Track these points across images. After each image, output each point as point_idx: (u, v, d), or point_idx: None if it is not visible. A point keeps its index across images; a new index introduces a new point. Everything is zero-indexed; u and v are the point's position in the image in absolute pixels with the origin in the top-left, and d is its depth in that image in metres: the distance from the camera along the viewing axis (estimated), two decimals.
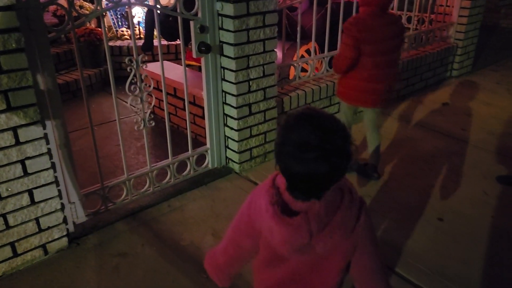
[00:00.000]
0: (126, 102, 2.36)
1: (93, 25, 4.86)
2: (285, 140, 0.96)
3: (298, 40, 3.21)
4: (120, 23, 5.27)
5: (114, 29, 5.24)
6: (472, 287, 1.97)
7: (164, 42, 4.83)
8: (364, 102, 2.63)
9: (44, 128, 2.03)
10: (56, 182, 2.11)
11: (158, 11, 2.39)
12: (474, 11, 4.45)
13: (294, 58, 3.37)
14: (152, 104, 2.44)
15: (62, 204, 2.19)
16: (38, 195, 2.04)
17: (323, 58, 3.44)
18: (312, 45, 3.34)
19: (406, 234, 2.31)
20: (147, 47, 4.17)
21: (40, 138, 1.97)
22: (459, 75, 4.69)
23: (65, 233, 2.21)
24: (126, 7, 2.32)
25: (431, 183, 2.78)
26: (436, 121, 3.64)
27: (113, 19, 5.25)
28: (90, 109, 2.30)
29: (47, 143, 2.04)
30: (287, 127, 0.97)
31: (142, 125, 2.44)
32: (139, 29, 5.14)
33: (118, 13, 5.21)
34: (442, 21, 4.50)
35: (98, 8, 2.14)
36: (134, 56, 2.30)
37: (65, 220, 2.21)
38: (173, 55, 4.87)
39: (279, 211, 1.00)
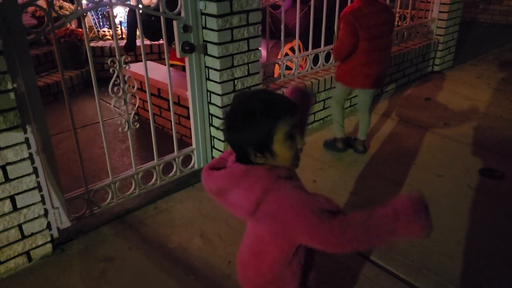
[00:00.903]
0: (110, 104, 2.32)
1: (73, 25, 4.78)
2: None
3: (282, 38, 3.21)
4: (101, 24, 5.20)
5: (96, 30, 5.16)
6: (456, 279, 2.00)
7: (147, 42, 4.78)
8: (360, 84, 2.90)
9: (25, 132, 1.98)
10: (38, 187, 2.07)
11: (140, 11, 2.36)
12: (454, 7, 4.52)
13: (279, 56, 3.37)
14: (136, 106, 2.41)
15: (46, 210, 2.14)
16: (20, 201, 2.00)
17: (307, 55, 3.45)
18: (296, 43, 3.35)
19: None
20: (130, 48, 4.11)
21: (21, 143, 1.93)
22: (440, 70, 4.76)
23: (49, 239, 2.16)
24: (107, 7, 2.28)
25: (415, 178, 2.81)
26: (419, 116, 3.69)
27: (94, 19, 5.16)
28: (72, 111, 2.26)
29: (28, 148, 2.00)
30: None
31: (126, 127, 2.41)
32: (121, 29, 5.08)
33: (99, 13, 5.13)
34: (423, 17, 4.55)
35: (79, 8, 2.09)
36: (117, 57, 2.26)
37: (49, 226, 2.17)
38: (156, 55, 4.82)
39: (209, 165, 1.20)
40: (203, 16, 2.52)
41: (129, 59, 2.31)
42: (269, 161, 1.11)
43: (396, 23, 4.26)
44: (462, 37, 5.73)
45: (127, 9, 4.62)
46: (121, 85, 2.30)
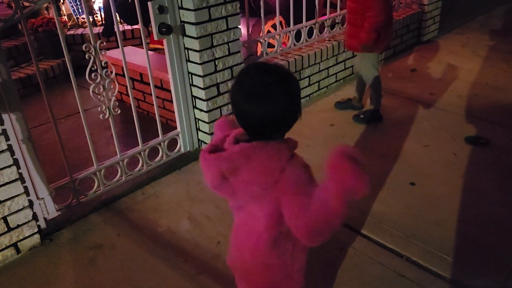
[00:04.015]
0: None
1: (52, 14, 4.67)
2: (236, 83, 1.09)
3: (262, 15, 3.16)
4: (80, 11, 5.08)
5: (75, 17, 5.05)
6: (445, 247, 2.02)
7: (128, 26, 4.70)
8: (386, 47, 3.01)
9: (2, 124, 1.95)
10: (21, 178, 2.05)
11: None
12: None
13: (261, 34, 3.31)
14: (116, 91, 2.37)
15: (30, 201, 2.13)
16: (2, 193, 1.98)
17: (290, 32, 3.40)
18: (277, 19, 3.29)
19: (380, 201, 2.34)
20: (108, 33, 4.04)
21: None
22: (426, 41, 4.73)
23: (36, 230, 2.15)
24: None
25: (402, 149, 2.82)
26: (405, 88, 3.68)
27: (72, 6, 5.05)
28: (56, 101, 2.22)
29: (7, 139, 1.97)
30: (238, 75, 1.11)
31: (108, 113, 2.38)
32: (101, 15, 4.97)
33: (78, 0, 5.02)
34: None
35: None
36: (92, 42, 2.21)
37: (35, 217, 2.15)
38: (138, 40, 4.74)
39: (207, 148, 1.10)
40: None
41: (104, 44, 2.26)
42: (279, 136, 1.12)
43: None
44: (447, 6, 5.67)
45: None
46: (98, 71, 2.26)
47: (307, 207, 1.03)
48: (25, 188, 2.09)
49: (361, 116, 3.16)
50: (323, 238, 1.05)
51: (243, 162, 1.06)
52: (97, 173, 2.43)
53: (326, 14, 3.77)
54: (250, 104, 1.06)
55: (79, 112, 2.31)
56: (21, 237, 2.10)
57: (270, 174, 1.06)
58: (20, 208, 2.06)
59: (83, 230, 2.26)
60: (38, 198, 2.18)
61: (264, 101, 1.04)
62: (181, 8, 2.49)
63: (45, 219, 2.24)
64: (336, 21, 3.73)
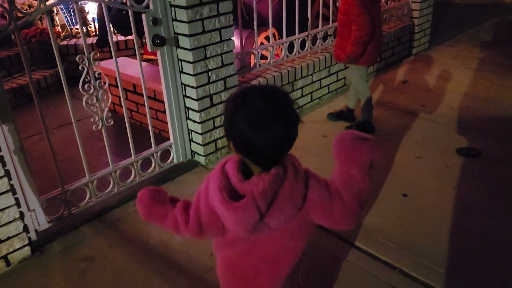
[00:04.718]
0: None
1: (45, 24, 4.67)
2: (238, 110, 1.01)
3: (255, 27, 3.18)
4: (74, 21, 5.09)
5: (68, 27, 5.06)
6: (437, 258, 2.03)
7: (122, 37, 4.71)
8: (374, 60, 3.07)
9: None
10: (12, 190, 2.03)
11: (109, 6, 2.31)
12: None
13: (254, 46, 3.34)
14: (109, 102, 2.37)
15: (21, 213, 2.11)
16: None
17: (283, 43, 3.43)
18: (270, 31, 3.32)
19: (373, 212, 2.35)
20: (102, 43, 4.04)
21: None
22: (417, 53, 4.79)
23: (27, 242, 2.13)
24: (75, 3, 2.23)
25: (394, 160, 2.83)
26: (397, 99, 3.71)
27: (66, 16, 5.06)
28: (48, 111, 2.21)
29: None
30: (237, 100, 1.03)
31: (100, 124, 2.37)
32: (94, 26, 4.98)
33: (72, 10, 5.02)
34: (397, 0, 4.56)
35: (42, 6, 2.04)
36: (85, 53, 2.22)
37: (26, 229, 2.13)
38: (132, 51, 4.75)
39: (226, 196, 1.03)
40: (173, 8, 2.48)
41: (98, 55, 2.27)
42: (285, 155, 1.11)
43: None
44: (438, 19, 5.76)
45: (98, 4, 4.53)
46: (92, 82, 2.26)
47: (342, 201, 1.09)
48: (16, 199, 2.07)
49: (354, 127, 3.18)
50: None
51: (275, 191, 1.04)
52: (89, 184, 2.42)
53: (318, 26, 3.80)
54: (260, 131, 0.99)
55: (71, 122, 2.30)
56: (11, 250, 2.08)
57: (299, 194, 1.07)
58: (11, 220, 2.04)
59: (74, 242, 2.24)
60: (29, 209, 2.16)
61: (274, 125, 1.00)
62: (175, 20, 2.51)
63: (36, 231, 2.22)
64: (328, 33, 3.77)
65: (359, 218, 1.13)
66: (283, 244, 1.14)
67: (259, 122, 0.99)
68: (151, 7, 2.42)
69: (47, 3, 2.07)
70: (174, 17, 2.50)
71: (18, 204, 2.08)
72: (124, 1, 2.35)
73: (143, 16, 2.41)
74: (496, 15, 6.33)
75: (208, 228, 1.14)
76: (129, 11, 2.38)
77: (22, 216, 2.11)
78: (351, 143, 1.07)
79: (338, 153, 1.11)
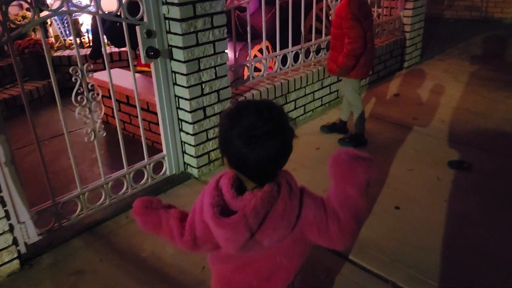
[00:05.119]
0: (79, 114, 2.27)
1: (38, 35, 4.67)
2: (233, 126, 1.00)
3: (249, 40, 3.21)
4: (68, 32, 5.09)
5: (62, 38, 5.06)
6: (430, 271, 2.03)
7: (115, 49, 4.72)
8: (367, 73, 3.12)
9: None
10: (2, 202, 2.01)
11: (103, 18, 2.32)
12: (418, 4, 4.62)
13: (248, 58, 3.36)
14: (102, 114, 2.36)
15: (11, 225, 2.08)
16: None
17: (276, 56, 3.45)
18: (264, 44, 3.35)
19: (366, 225, 2.35)
20: (96, 55, 4.05)
21: None
22: (408, 66, 4.85)
23: (16, 255, 2.10)
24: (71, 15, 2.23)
25: (387, 173, 2.85)
26: (389, 112, 3.74)
27: (60, 28, 5.06)
28: (40, 122, 2.20)
29: None
30: (231, 116, 1.03)
31: (93, 136, 2.36)
32: (88, 37, 4.99)
33: (65, 21, 5.03)
34: (388, 14, 4.63)
35: (36, 17, 2.04)
36: (79, 65, 2.22)
37: (15, 242, 2.10)
38: (126, 62, 4.76)
39: (217, 213, 1.02)
40: (167, 21, 2.49)
41: (91, 67, 2.27)
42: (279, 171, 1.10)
43: None
44: (429, 33, 5.86)
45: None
46: (85, 93, 2.25)
47: (338, 220, 1.08)
48: (6, 212, 2.04)
49: (347, 140, 3.20)
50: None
51: (267, 209, 1.02)
52: (80, 196, 2.39)
53: (311, 40, 3.84)
54: (255, 147, 0.98)
55: (63, 134, 2.29)
56: (0, 263, 2.05)
57: (293, 213, 1.06)
58: (0, 232, 2.01)
59: (64, 255, 2.21)
60: (19, 222, 2.13)
61: (269, 141, 0.99)
62: (169, 32, 2.52)
63: (25, 243, 2.18)
64: (321, 46, 3.81)
65: (355, 237, 1.13)
66: (278, 261, 1.13)
67: (254, 137, 0.98)
68: (145, 19, 2.43)
69: (41, 14, 2.07)
70: (168, 30, 2.52)
71: (7, 216, 2.05)
72: (119, 13, 2.36)
73: (137, 28, 2.42)
74: (485, 30, 6.45)
75: (203, 243, 1.14)
76: (123, 23, 2.39)
77: (11, 228, 2.08)
78: (348, 162, 1.05)
79: (334, 172, 1.09)
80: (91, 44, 4.79)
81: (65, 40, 5.04)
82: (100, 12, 2.26)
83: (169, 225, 1.19)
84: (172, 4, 2.41)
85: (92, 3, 2.23)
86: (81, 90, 2.24)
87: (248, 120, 0.99)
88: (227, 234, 1.02)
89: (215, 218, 1.01)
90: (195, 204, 1.16)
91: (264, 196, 1.02)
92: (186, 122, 2.72)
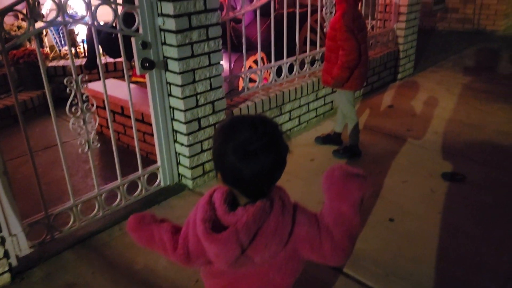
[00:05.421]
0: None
1: (33, 45, 4.66)
2: (227, 141, 1.00)
3: (244, 51, 3.22)
4: (63, 42, 5.10)
5: (57, 49, 5.06)
6: (424, 284, 2.03)
7: (110, 59, 4.72)
8: (361, 85, 3.12)
9: None
10: None
11: (98, 28, 2.32)
12: (411, 16, 4.67)
13: (243, 70, 3.38)
14: (96, 125, 2.36)
15: (2, 238, 2.05)
16: None
17: (271, 68, 3.47)
18: (259, 55, 3.37)
19: (360, 237, 2.34)
20: (90, 65, 4.04)
21: None
22: (402, 78, 4.89)
23: (7, 268, 2.07)
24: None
25: (381, 185, 2.85)
26: (383, 124, 3.76)
27: (55, 38, 5.06)
28: (34, 132, 2.19)
29: None
30: (225, 131, 1.03)
31: (87, 147, 2.35)
32: (83, 47, 4.99)
33: (61, 32, 5.03)
34: (382, 27, 4.68)
35: (31, 28, 2.04)
36: (73, 76, 2.21)
37: (6, 254, 2.07)
38: (121, 72, 4.76)
39: (208, 228, 1.01)
40: (162, 32, 2.50)
41: (86, 78, 2.26)
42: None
43: None
44: (422, 45, 5.92)
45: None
46: (79, 104, 2.25)
47: (331, 237, 1.07)
48: None
49: (341, 151, 3.21)
50: (352, 250, 1.10)
51: (259, 225, 1.02)
52: (73, 208, 2.37)
53: (306, 51, 3.87)
54: (249, 162, 0.98)
55: (57, 144, 2.27)
56: None
57: (285, 229, 1.05)
58: None
59: (56, 268, 2.18)
60: (10, 234, 2.11)
61: (263, 156, 0.99)
62: (164, 43, 2.53)
63: (17, 256, 2.16)
64: (316, 58, 3.84)
65: (349, 255, 1.10)
66: (270, 278, 1.12)
67: (249, 152, 0.98)
68: (140, 31, 2.44)
69: (36, 25, 2.07)
70: (163, 41, 2.53)
71: None
72: (114, 25, 2.37)
73: (133, 39, 2.43)
74: (477, 42, 6.54)
75: (196, 257, 1.13)
76: (119, 34, 2.39)
77: (3, 241, 2.05)
78: (341, 179, 1.05)
79: (328, 189, 1.08)
80: (86, 54, 4.79)
81: (60, 50, 5.04)
82: (95, 23, 2.27)
83: (162, 239, 1.19)
84: (168, 16, 2.42)
85: (88, 14, 2.23)
86: (76, 101, 2.24)
87: (243, 135, 0.99)
88: (217, 249, 1.01)
89: (206, 234, 1.01)
90: (189, 217, 1.16)
91: (256, 211, 1.01)
92: (181, 133, 2.72)
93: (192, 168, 2.79)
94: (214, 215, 1.04)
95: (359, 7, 3.02)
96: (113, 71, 4.76)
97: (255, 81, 3.44)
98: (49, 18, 2.18)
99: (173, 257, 1.18)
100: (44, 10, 4.86)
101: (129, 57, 2.59)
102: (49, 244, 2.29)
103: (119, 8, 2.34)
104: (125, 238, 2.39)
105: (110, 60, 4.73)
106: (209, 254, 1.06)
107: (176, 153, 2.82)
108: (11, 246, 2.12)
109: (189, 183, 2.84)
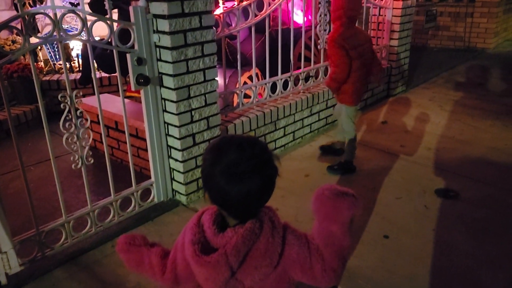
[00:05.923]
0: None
1: (28, 60, 4.66)
2: (215, 162, 1.00)
3: (239, 67, 3.24)
4: (57, 57, 5.10)
5: (52, 63, 5.06)
6: None
7: (105, 74, 4.72)
8: (359, 100, 3.18)
9: None
10: None
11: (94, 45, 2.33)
12: (404, 34, 4.74)
13: (237, 86, 3.39)
14: (90, 140, 2.34)
15: None
16: None
17: (266, 83, 3.49)
18: (253, 71, 3.39)
19: (355, 254, 2.33)
20: (85, 80, 4.04)
21: None
22: (395, 94, 4.94)
23: None
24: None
25: (375, 201, 2.85)
26: (377, 139, 3.78)
27: (49, 52, 5.07)
28: (26, 147, 2.17)
29: None
30: (213, 152, 1.02)
31: (80, 163, 2.33)
32: (78, 62, 5.00)
33: (55, 46, 5.04)
34: (375, 44, 4.74)
35: (26, 45, 2.04)
36: (68, 91, 2.21)
37: None
38: (115, 87, 4.76)
39: (198, 251, 1.00)
40: (158, 49, 2.51)
41: (81, 93, 2.26)
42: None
43: None
44: (414, 62, 6.00)
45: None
46: (73, 120, 2.24)
47: (322, 258, 1.06)
48: None
49: (335, 167, 3.22)
50: (343, 271, 1.09)
51: (248, 247, 1.01)
52: (65, 224, 2.34)
53: (300, 68, 3.90)
54: (236, 184, 0.98)
55: (49, 159, 2.25)
56: None
57: (275, 251, 1.04)
58: None
59: (46, 286, 2.14)
60: (0, 252, 2.07)
61: (250, 179, 0.98)
62: (160, 60, 2.54)
63: (6, 274, 2.12)
64: (310, 74, 3.87)
65: (340, 276, 1.09)
66: None
67: (235, 175, 0.98)
68: (136, 47, 2.45)
69: (31, 40, 2.07)
70: (158, 57, 2.54)
71: None
72: (110, 41, 2.38)
73: (128, 55, 2.43)
74: (468, 59, 6.64)
75: (184, 281, 1.11)
76: (114, 50, 2.40)
77: None
78: (331, 200, 1.04)
79: (317, 210, 1.07)
80: (80, 68, 4.80)
81: (54, 64, 5.04)
82: (91, 39, 2.27)
83: (151, 263, 1.17)
84: (163, 32, 2.43)
85: (84, 30, 2.24)
86: (70, 116, 2.23)
87: (230, 157, 0.99)
88: (207, 273, 1.00)
89: (195, 256, 1.00)
90: (177, 241, 1.14)
91: (245, 233, 1.00)
92: (175, 148, 2.71)
93: (186, 184, 2.77)
94: (203, 237, 1.03)
95: (355, 25, 3.06)
96: (108, 86, 4.76)
97: (249, 97, 3.45)
98: (45, 32, 2.18)
99: (161, 281, 1.17)
100: (40, 23, 4.87)
101: (124, 72, 2.59)
102: (40, 261, 2.26)
103: (115, 25, 2.35)
104: (117, 255, 2.35)
105: (105, 74, 4.74)
106: (198, 278, 1.04)
107: (170, 168, 2.81)
108: (1, 264, 2.09)
109: (183, 199, 2.82)
